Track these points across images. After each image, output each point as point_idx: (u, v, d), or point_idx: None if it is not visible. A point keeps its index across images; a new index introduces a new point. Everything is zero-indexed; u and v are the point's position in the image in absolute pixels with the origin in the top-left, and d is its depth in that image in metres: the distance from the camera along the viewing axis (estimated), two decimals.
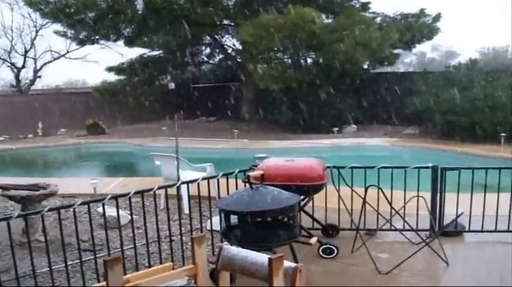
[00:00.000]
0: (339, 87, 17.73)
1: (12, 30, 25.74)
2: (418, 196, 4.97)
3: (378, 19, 19.87)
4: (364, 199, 4.94)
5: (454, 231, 5.35)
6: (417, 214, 5.26)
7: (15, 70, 25.88)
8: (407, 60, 40.71)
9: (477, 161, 11.57)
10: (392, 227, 5.28)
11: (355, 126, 17.64)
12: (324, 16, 17.93)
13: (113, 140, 17.51)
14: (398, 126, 17.30)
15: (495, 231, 5.26)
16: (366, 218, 5.21)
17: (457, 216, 5.28)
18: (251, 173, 4.46)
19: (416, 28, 19.17)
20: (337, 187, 5.24)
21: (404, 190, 5.25)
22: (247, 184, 4.26)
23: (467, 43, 48.84)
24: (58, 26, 20.36)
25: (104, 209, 4.34)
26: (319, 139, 15.33)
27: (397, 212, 4.94)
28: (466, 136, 13.91)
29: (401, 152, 13.56)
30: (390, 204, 4.89)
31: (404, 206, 5.01)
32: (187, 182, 4.74)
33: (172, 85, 22.24)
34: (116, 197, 4.18)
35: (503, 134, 13.06)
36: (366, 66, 19.21)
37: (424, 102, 15.25)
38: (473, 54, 32.54)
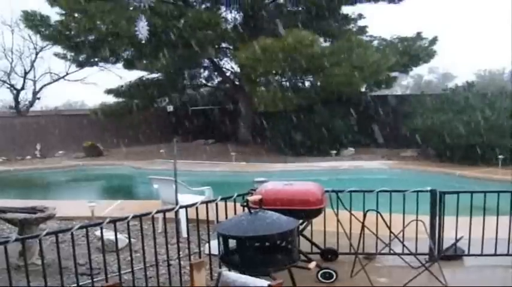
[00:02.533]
0: (336, 110, 17.81)
1: (12, 52, 25.95)
2: (417, 220, 4.97)
3: (375, 42, 20.04)
4: (362, 223, 4.93)
5: (454, 255, 5.33)
6: (416, 238, 5.24)
7: (15, 92, 25.99)
8: (404, 83, 40.94)
9: (476, 184, 11.59)
10: (392, 251, 5.26)
11: (352, 149, 17.65)
12: (321, 39, 18.07)
13: (111, 163, 17.48)
14: (396, 148, 17.34)
15: (495, 255, 5.24)
16: (365, 242, 5.19)
17: (457, 240, 5.26)
18: (250, 198, 4.46)
19: (413, 51, 19.34)
20: (336, 211, 5.24)
21: (403, 214, 5.25)
22: (245, 208, 4.24)
23: (464, 65, 49.18)
24: (58, 49, 20.53)
25: (101, 232, 4.32)
26: (317, 162, 15.33)
27: (395, 236, 4.92)
28: (463, 159, 13.94)
29: (399, 174, 13.55)
30: (389, 228, 4.88)
31: (403, 230, 5.00)
32: (186, 207, 4.73)
33: (170, 108, 22.33)
34: (114, 221, 4.17)
35: (500, 157, 13.11)
36: (363, 89, 19.32)
37: (421, 125, 15.30)
38: (470, 77, 32.83)
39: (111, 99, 22.27)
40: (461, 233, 5.25)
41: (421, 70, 36.81)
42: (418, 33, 19.89)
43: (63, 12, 18.19)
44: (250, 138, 20.75)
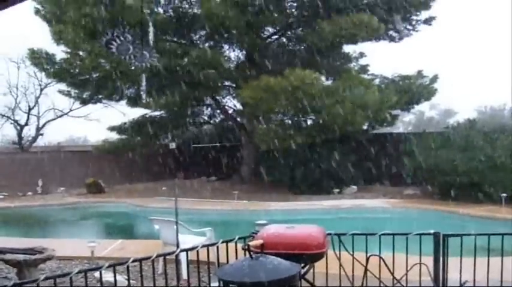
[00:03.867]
0: (339, 148, 17.83)
1: (17, 88, 26.21)
2: (420, 263, 4.90)
3: (377, 81, 20.23)
4: (365, 267, 4.86)
5: None
6: (420, 281, 5.16)
7: (18, 127, 26.15)
8: (406, 119, 41.11)
9: (479, 223, 11.53)
10: None
11: (355, 187, 17.59)
12: (323, 78, 18.26)
13: (112, 200, 17.44)
14: (399, 186, 17.26)
15: None
16: (368, 285, 5.10)
17: (461, 285, 5.17)
18: (251, 243, 4.41)
19: (415, 89, 19.47)
20: (338, 255, 5.16)
21: (406, 256, 5.17)
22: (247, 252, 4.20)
23: (465, 101, 49.55)
24: (62, 86, 20.75)
25: (101, 276, 4.26)
26: (319, 200, 15.27)
27: (398, 281, 4.85)
28: (466, 197, 13.88)
29: (402, 213, 13.47)
30: (392, 274, 4.81)
31: (406, 274, 4.92)
32: (187, 250, 4.69)
33: (173, 145, 22.43)
34: (113, 266, 4.12)
35: (503, 195, 13.03)
36: (365, 127, 19.38)
37: (423, 162, 15.29)
38: (471, 113, 33.01)
39: (114, 135, 22.41)
40: (466, 275, 5.16)
41: (423, 107, 37.11)
42: (419, 72, 20.08)
43: (68, 50, 18.48)
44: (252, 176, 20.72)
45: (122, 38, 3.05)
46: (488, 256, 5.18)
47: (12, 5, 1.85)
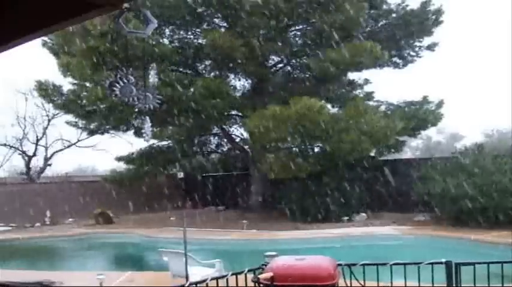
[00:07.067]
0: (347, 175, 17.73)
1: (25, 119, 26.33)
2: None
3: (383, 107, 20.24)
4: None
5: None
6: None
7: (26, 158, 26.23)
8: (413, 144, 40.85)
9: (491, 248, 11.38)
10: None
11: (364, 214, 17.42)
12: (329, 106, 18.29)
13: (121, 231, 17.36)
14: (408, 213, 17.09)
15: None
16: None
17: None
18: (260, 276, 4.37)
19: (421, 115, 19.44)
20: (350, 286, 5.10)
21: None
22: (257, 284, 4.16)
23: (471, 125, 49.13)
24: (70, 116, 20.90)
25: None
26: (329, 229, 15.15)
27: None
28: (477, 222, 13.73)
29: (412, 240, 13.34)
30: None
31: None
32: (196, 283, 4.65)
33: (181, 174, 22.39)
34: None
35: None
36: (372, 154, 19.29)
37: (433, 189, 15.17)
38: (478, 136, 32.76)
39: (122, 165, 22.44)
40: None
41: (430, 131, 36.98)
42: (424, 97, 20.09)
43: (75, 82, 18.66)
44: (261, 204, 20.60)
45: (125, 80, 3.06)
46: (502, 284, 5.11)
47: (11, 48, 1.86)
